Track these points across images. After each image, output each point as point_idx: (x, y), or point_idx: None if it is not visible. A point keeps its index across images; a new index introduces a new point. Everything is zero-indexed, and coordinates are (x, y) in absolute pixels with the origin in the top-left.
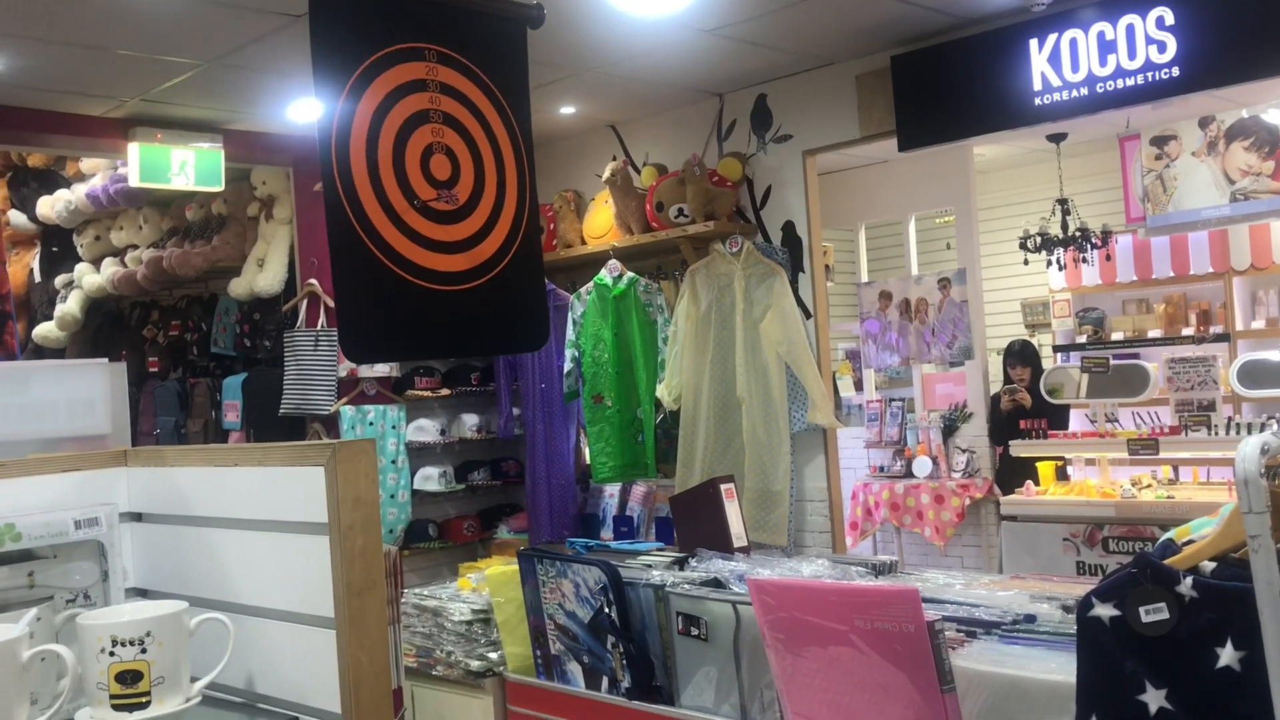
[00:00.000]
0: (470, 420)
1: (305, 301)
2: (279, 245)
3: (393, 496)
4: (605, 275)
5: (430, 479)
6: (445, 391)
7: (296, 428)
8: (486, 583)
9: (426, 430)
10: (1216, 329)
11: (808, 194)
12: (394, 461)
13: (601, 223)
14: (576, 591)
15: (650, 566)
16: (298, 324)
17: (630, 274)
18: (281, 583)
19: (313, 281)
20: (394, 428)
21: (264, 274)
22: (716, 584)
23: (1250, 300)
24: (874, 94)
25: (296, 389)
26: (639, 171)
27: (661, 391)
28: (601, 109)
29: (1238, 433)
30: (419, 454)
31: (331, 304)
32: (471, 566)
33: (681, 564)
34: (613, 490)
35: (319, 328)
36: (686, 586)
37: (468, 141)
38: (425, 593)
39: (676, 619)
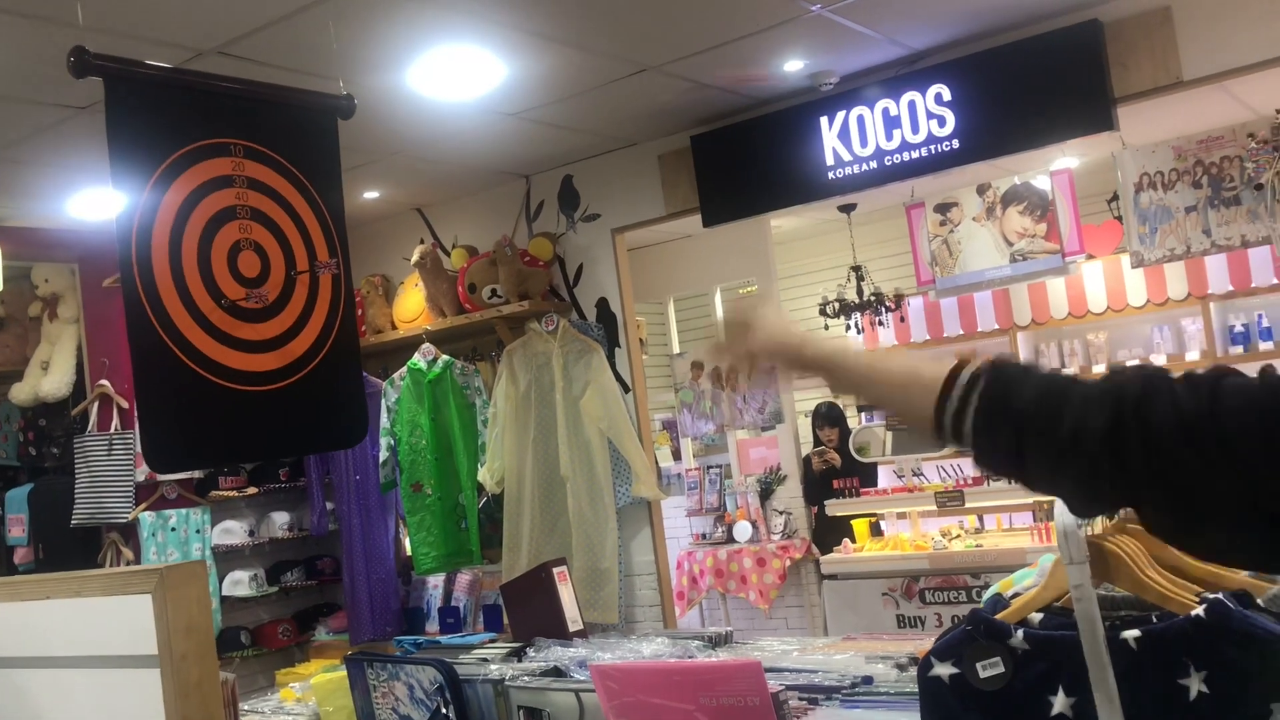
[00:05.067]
0: (280, 519)
1: (96, 404)
2: (65, 346)
3: None
4: (419, 359)
5: (240, 583)
6: (252, 490)
7: (91, 539)
8: (312, 691)
9: (234, 532)
10: None
11: (619, 271)
12: None
13: (412, 306)
14: (410, 693)
15: (486, 660)
16: (89, 428)
17: (445, 357)
18: None
19: (104, 383)
20: (198, 532)
21: (49, 377)
22: (557, 673)
23: (1034, 353)
24: (676, 172)
25: (90, 498)
26: (448, 254)
27: (484, 475)
28: (406, 192)
29: None
30: (226, 557)
31: (125, 405)
32: (291, 673)
33: (519, 654)
34: (436, 581)
35: (113, 431)
36: (526, 679)
37: (278, 237)
38: (245, 707)
39: (518, 713)
